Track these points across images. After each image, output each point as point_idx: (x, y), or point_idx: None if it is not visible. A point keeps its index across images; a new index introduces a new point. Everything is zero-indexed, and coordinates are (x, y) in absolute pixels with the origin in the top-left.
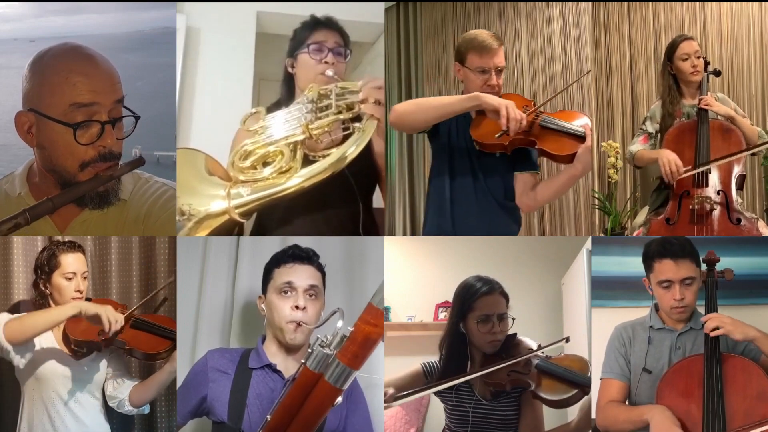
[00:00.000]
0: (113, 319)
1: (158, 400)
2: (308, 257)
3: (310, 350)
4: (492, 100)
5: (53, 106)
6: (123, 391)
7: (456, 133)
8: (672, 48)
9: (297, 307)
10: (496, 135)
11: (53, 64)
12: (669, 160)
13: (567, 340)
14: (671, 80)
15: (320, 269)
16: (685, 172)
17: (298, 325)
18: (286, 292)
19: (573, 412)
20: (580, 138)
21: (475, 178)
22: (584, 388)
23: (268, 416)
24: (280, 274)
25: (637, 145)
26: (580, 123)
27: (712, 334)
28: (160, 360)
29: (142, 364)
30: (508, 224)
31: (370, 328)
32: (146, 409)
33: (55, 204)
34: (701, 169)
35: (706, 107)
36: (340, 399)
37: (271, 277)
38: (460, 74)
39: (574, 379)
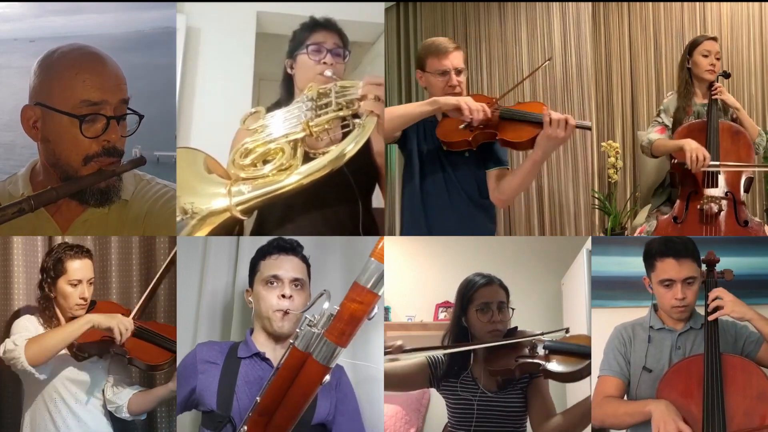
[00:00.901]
0: (124, 328)
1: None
2: (292, 248)
3: (298, 330)
4: (449, 99)
5: (63, 100)
6: (122, 398)
7: (424, 138)
8: (694, 43)
9: (283, 296)
10: (460, 126)
11: (64, 61)
12: (695, 148)
13: (567, 330)
14: (687, 75)
15: (304, 260)
16: (711, 166)
17: (285, 313)
18: (272, 283)
19: (580, 392)
20: (538, 124)
21: (447, 179)
22: None
23: (258, 398)
24: (265, 266)
25: (656, 134)
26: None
27: (711, 317)
28: (161, 371)
29: (143, 372)
30: (483, 222)
31: (356, 305)
32: (143, 416)
33: (59, 193)
34: (718, 168)
35: (718, 94)
36: (328, 377)
37: (258, 270)
38: (422, 81)
39: (585, 351)
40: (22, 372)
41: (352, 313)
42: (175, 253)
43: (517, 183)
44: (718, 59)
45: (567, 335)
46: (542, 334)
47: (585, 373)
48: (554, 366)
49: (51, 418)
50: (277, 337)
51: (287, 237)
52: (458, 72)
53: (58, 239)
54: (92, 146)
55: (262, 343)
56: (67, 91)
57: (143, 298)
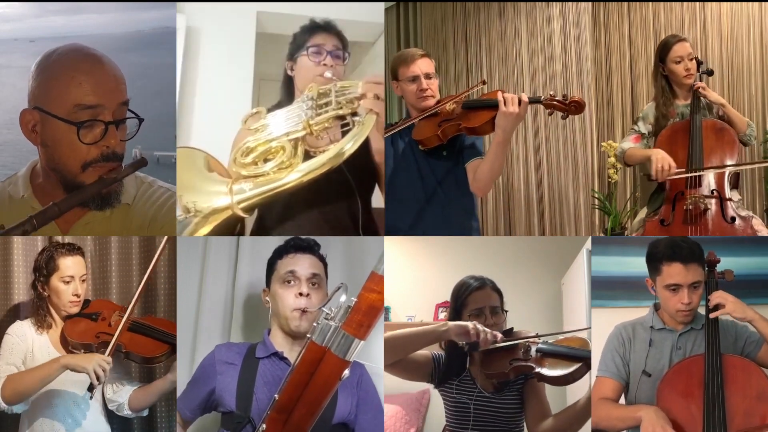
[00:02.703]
0: (99, 370)
1: (158, 402)
2: (309, 246)
3: (315, 324)
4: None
5: (58, 105)
6: (123, 395)
7: (400, 138)
8: (664, 50)
9: (301, 294)
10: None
11: (60, 64)
12: (660, 158)
13: (588, 329)
14: (664, 82)
15: (322, 259)
16: (677, 173)
17: (303, 312)
18: (289, 282)
19: (579, 393)
20: (495, 107)
21: (424, 179)
22: (587, 361)
23: (276, 395)
24: (282, 264)
25: (629, 143)
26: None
27: (712, 315)
28: (158, 363)
29: (142, 368)
30: (462, 220)
31: (375, 295)
32: (145, 412)
33: (61, 209)
34: (693, 174)
35: (701, 91)
36: (347, 372)
37: (275, 269)
38: (397, 91)
39: (576, 354)
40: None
41: (371, 303)
42: (166, 241)
43: (488, 168)
44: (691, 60)
45: (561, 338)
46: (540, 336)
47: (577, 375)
48: (546, 370)
49: (49, 418)
50: (294, 336)
51: (303, 236)
52: (428, 77)
53: (58, 238)
54: (90, 152)
55: (280, 342)
56: (63, 95)
57: (139, 289)
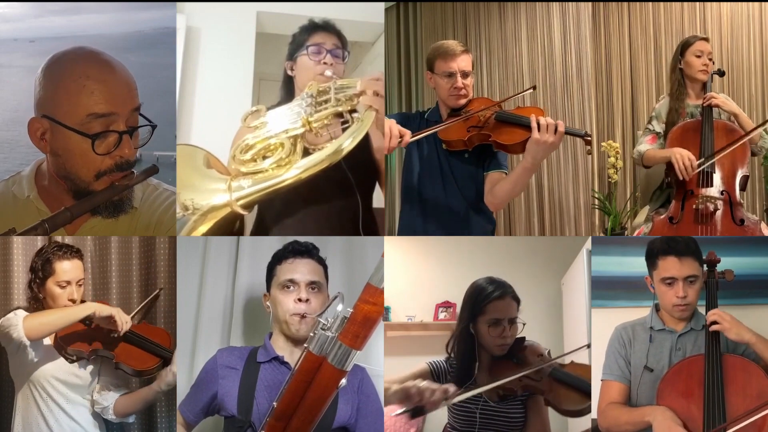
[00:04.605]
0: (125, 319)
1: (159, 402)
2: (308, 251)
3: (312, 334)
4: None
5: (69, 114)
6: (108, 399)
7: (426, 137)
8: (687, 44)
9: (300, 300)
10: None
11: (69, 70)
12: (682, 155)
13: (588, 346)
14: (680, 75)
15: (321, 262)
16: (698, 165)
17: (303, 316)
18: (288, 287)
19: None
20: (529, 127)
21: (445, 179)
22: None
23: (275, 403)
24: (281, 270)
25: (646, 145)
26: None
27: (711, 328)
28: (148, 376)
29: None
30: (480, 224)
31: (369, 307)
32: (130, 419)
33: (74, 214)
34: (711, 161)
35: (715, 105)
36: (344, 381)
37: (274, 274)
38: (431, 82)
39: (587, 390)
40: (15, 343)
41: (365, 314)
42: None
43: (509, 188)
44: (710, 59)
45: (571, 362)
46: (556, 357)
47: (587, 411)
48: (555, 400)
49: (43, 417)
50: (295, 341)
51: (302, 240)
52: (464, 75)
53: (57, 238)
54: (105, 162)
55: (280, 346)
56: (73, 104)
57: (138, 308)
